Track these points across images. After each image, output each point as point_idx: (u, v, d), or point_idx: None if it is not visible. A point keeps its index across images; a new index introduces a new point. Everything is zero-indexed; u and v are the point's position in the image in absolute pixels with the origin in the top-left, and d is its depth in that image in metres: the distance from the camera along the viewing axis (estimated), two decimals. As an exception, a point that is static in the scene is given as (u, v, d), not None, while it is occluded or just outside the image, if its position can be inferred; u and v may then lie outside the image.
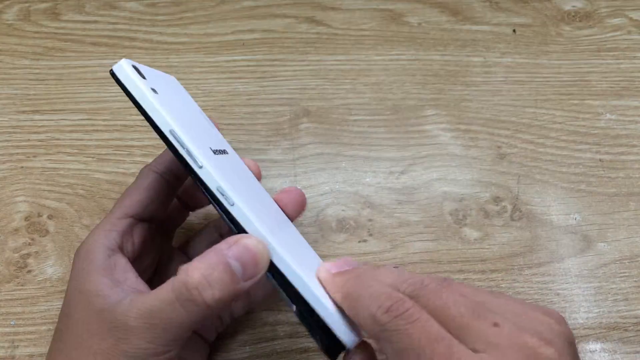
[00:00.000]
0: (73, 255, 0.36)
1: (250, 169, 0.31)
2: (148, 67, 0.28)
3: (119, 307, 0.25)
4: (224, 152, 0.29)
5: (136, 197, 0.30)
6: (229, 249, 0.24)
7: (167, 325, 0.24)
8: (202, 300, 0.24)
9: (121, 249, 0.29)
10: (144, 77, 0.26)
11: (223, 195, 0.25)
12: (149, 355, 0.24)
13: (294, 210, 0.31)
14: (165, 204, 0.31)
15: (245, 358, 0.34)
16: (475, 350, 0.21)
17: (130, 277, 0.27)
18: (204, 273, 0.24)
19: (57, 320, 0.34)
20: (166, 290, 0.24)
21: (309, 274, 0.26)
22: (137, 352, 0.24)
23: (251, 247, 0.24)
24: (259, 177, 0.32)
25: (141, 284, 0.27)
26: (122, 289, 0.26)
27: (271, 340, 0.34)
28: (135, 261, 0.30)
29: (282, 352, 0.34)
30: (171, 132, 0.26)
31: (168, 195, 0.31)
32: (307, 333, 0.34)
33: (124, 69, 0.26)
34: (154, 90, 0.26)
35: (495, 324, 0.22)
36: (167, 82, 0.30)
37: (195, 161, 0.26)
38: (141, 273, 0.29)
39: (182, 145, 0.26)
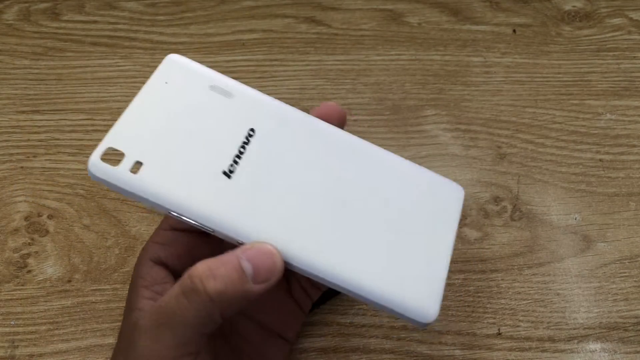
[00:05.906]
0: (73, 255, 0.36)
1: (325, 118, 0.28)
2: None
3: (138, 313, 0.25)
4: (245, 143, 0.26)
5: None
6: (244, 251, 0.24)
7: (173, 322, 0.23)
8: (203, 289, 0.23)
9: (165, 261, 0.27)
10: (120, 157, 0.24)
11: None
12: None
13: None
14: None
15: (245, 358, 0.34)
16: None
17: (168, 288, 0.26)
18: (211, 266, 0.23)
19: (56, 319, 0.35)
20: (174, 286, 0.24)
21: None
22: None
23: (267, 252, 0.24)
24: (342, 122, 0.28)
25: None
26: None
27: (271, 340, 0.34)
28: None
29: (282, 352, 0.34)
30: (169, 212, 0.24)
31: None
32: (307, 333, 0.34)
33: (93, 164, 0.24)
34: (137, 163, 0.24)
35: None
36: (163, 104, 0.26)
37: (205, 228, 0.25)
38: None
39: (185, 221, 0.25)
